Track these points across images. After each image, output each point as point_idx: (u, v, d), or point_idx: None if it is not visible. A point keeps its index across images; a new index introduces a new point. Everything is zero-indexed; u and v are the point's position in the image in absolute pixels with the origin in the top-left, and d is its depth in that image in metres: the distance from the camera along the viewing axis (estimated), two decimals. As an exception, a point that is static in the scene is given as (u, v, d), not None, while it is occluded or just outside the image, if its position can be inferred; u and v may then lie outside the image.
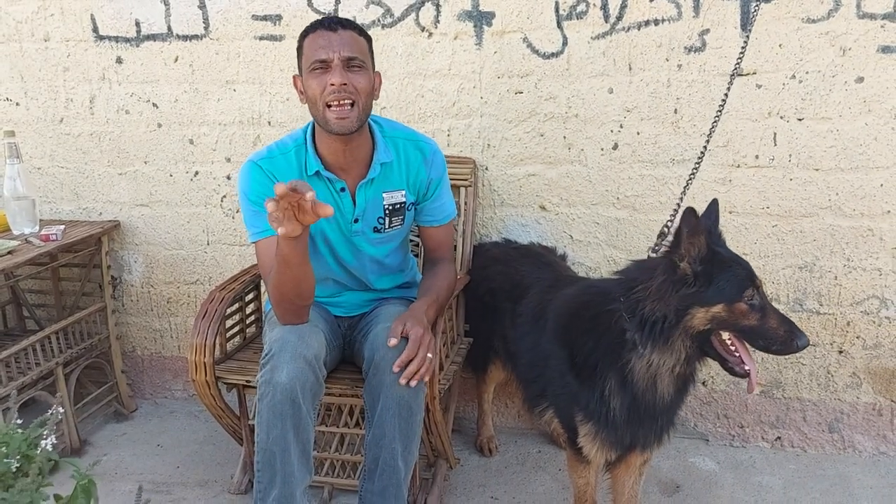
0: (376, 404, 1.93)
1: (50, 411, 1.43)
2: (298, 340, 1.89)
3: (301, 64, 1.97)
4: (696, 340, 1.76)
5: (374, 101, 1.99)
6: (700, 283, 1.71)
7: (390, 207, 1.90)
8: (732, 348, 1.77)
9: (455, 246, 2.46)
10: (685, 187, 2.17)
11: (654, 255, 2.03)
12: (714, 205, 1.91)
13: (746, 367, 1.77)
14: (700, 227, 1.71)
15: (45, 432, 1.36)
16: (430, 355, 1.87)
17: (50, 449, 1.36)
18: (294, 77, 2.03)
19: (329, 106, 1.88)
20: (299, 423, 1.87)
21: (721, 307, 1.71)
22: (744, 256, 1.86)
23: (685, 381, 1.88)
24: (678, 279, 1.72)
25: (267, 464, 1.88)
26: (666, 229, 2.09)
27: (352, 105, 1.89)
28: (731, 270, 1.73)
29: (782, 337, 1.72)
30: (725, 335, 1.76)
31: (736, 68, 2.16)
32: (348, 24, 1.94)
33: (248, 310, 2.47)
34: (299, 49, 1.97)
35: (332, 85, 1.86)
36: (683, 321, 1.73)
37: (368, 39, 1.99)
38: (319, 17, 1.99)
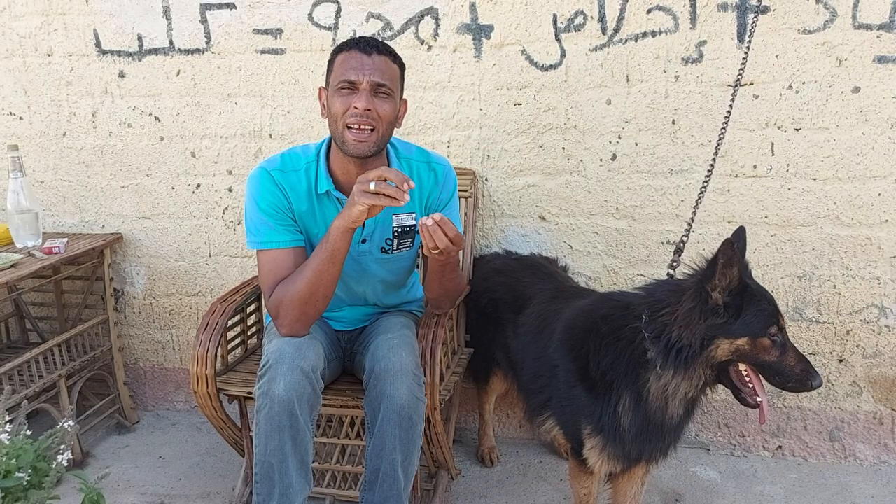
0: (377, 415, 1.93)
1: (60, 424, 1.45)
2: (295, 352, 1.89)
3: (329, 79, 1.96)
4: (716, 370, 1.79)
5: (395, 129, 2.00)
6: (729, 315, 1.72)
7: (399, 230, 1.90)
8: (747, 379, 1.79)
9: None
10: (697, 200, 2.17)
11: (671, 272, 2.03)
12: (741, 232, 1.90)
13: (759, 399, 1.79)
14: (735, 258, 1.71)
15: (61, 447, 1.38)
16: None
17: (65, 465, 1.38)
18: (320, 89, 2.03)
19: (349, 127, 1.88)
20: (297, 435, 1.87)
21: (745, 340, 1.73)
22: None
23: (694, 403, 1.90)
24: (709, 309, 1.73)
25: (265, 476, 1.88)
26: (682, 245, 2.10)
27: (372, 130, 1.89)
28: (759, 305, 1.74)
29: (798, 375, 1.74)
30: (742, 367, 1.78)
31: (738, 79, 2.18)
32: (384, 50, 1.93)
33: (250, 321, 2.48)
34: (330, 64, 1.97)
35: (356, 108, 1.86)
36: (707, 351, 1.74)
37: (402, 67, 1.99)
38: (355, 37, 1.98)
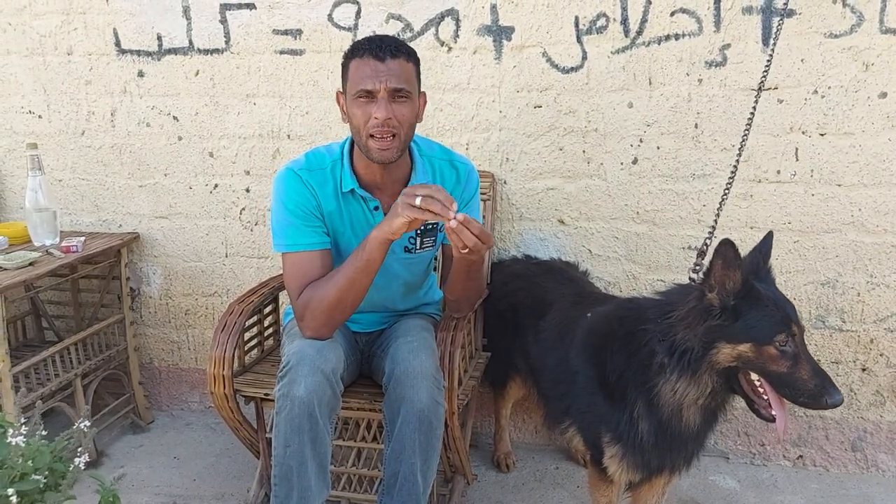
0: (396, 418, 1.91)
1: (76, 425, 1.44)
2: (316, 354, 1.88)
3: (345, 85, 1.94)
4: (723, 376, 1.73)
5: (417, 124, 1.98)
6: (726, 317, 1.67)
7: (422, 227, 1.89)
8: (761, 390, 1.71)
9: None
10: (720, 204, 2.13)
11: (693, 275, 2.01)
12: (768, 238, 1.85)
13: (773, 413, 1.71)
14: (736, 260, 1.66)
15: (79, 449, 1.37)
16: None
17: (82, 467, 1.38)
18: (338, 93, 2.00)
19: (372, 136, 1.87)
20: (316, 437, 1.86)
21: (749, 347, 1.67)
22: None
23: (714, 412, 1.85)
24: (703, 309, 1.69)
25: (284, 478, 1.87)
26: (705, 247, 2.06)
27: (393, 137, 1.87)
28: (764, 310, 1.67)
29: (811, 390, 1.64)
30: (754, 376, 1.71)
31: (761, 83, 2.15)
32: (396, 51, 1.87)
33: (267, 322, 2.47)
34: (344, 68, 1.94)
35: (376, 119, 1.84)
36: (709, 354, 1.69)
37: (417, 62, 1.95)
38: (368, 36, 1.93)
